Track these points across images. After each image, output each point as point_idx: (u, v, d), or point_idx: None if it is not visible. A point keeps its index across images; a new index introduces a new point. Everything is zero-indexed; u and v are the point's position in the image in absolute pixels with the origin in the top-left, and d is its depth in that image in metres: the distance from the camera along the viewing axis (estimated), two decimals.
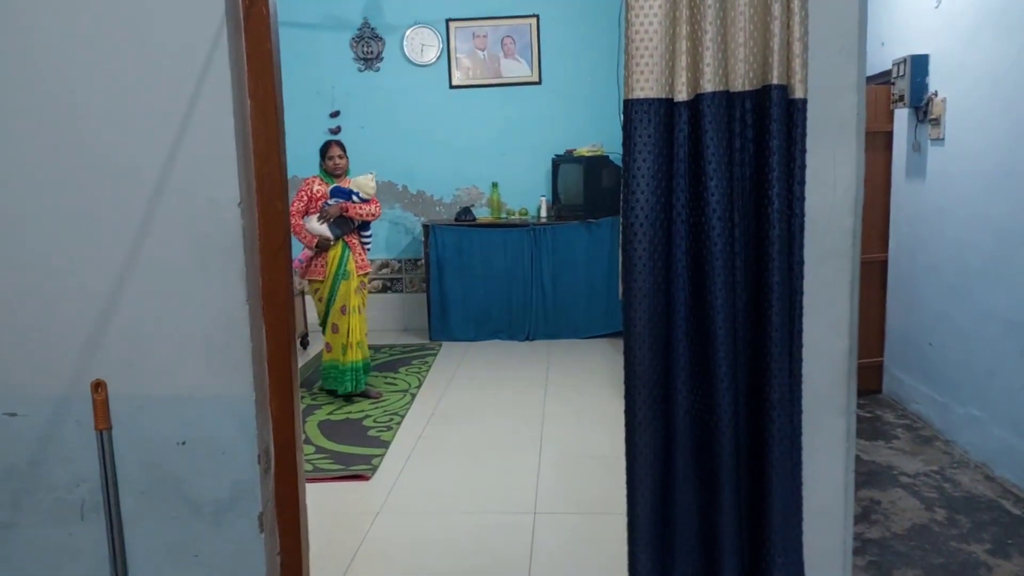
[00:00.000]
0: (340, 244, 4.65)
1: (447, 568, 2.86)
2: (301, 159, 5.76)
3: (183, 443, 1.92)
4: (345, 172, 4.68)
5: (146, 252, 1.85)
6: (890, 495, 3.46)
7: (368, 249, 4.85)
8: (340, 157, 4.64)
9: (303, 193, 4.60)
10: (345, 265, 4.66)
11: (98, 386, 1.87)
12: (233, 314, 1.86)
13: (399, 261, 6.54)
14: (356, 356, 4.74)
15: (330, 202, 4.57)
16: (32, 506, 1.95)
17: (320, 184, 4.62)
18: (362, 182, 4.67)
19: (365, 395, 4.82)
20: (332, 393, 4.83)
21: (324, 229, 4.56)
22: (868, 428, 4.21)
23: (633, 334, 1.73)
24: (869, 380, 4.68)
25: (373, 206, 4.67)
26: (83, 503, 1.94)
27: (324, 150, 4.67)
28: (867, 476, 3.63)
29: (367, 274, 4.83)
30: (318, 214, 4.56)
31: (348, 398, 4.78)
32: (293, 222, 4.52)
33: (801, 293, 1.72)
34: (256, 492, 1.93)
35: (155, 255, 1.85)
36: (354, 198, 4.62)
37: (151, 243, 1.85)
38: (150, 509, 1.94)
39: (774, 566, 1.75)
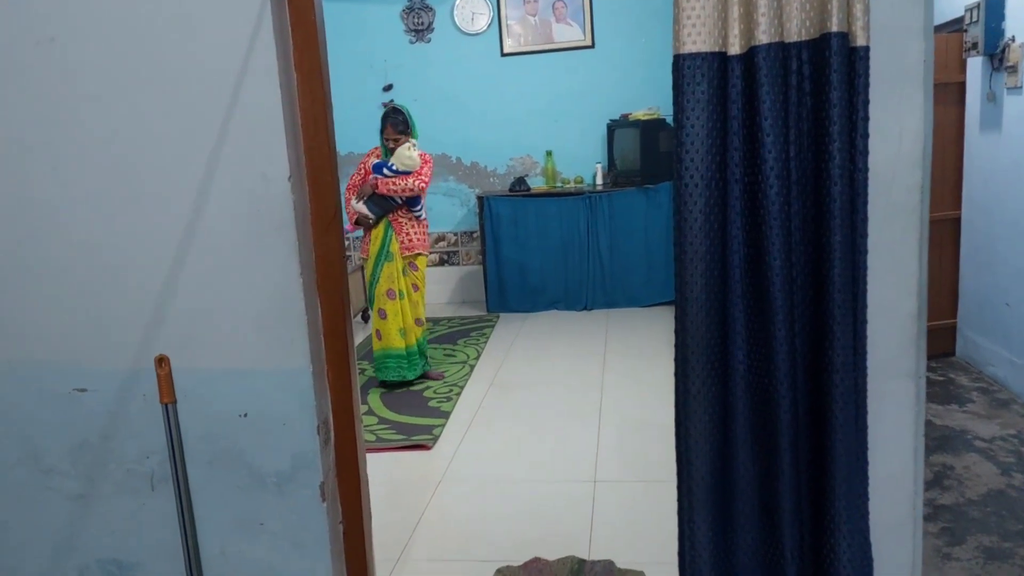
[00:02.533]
0: (383, 223, 4.40)
1: (509, 537, 2.88)
2: (355, 135, 5.81)
3: (244, 415, 1.96)
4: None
5: (201, 229, 1.88)
6: (964, 460, 3.34)
7: (420, 217, 4.49)
8: (395, 141, 4.33)
9: (361, 166, 4.45)
10: (388, 246, 4.42)
11: (161, 361, 1.91)
12: (287, 288, 1.88)
13: (455, 234, 6.55)
14: (397, 343, 4.48)
15: (371, 178, 4.36)
16: (104, 478, 2.02)
17: (377, 158, 4.42)
18: (400, 153, 4.32)
19: (427, 376, 4.64)
20: (389, 385, 4.56)
21: (362, 207, 4.36)
22: (940, 392, 4.06)
23: (688, 299, 1.68)
24: (941, 343, 4.51)
25: (410, 180, 4.30)
26: (152, 475, 2.01)
27: (381, 126, 4.39)
28: (939, 441, 3.51)
29: (418, 255, 4.52)
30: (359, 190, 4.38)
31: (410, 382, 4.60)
32: (345, 196, 4.39)
33: (865, 252, 1.64)
34: (317, 463, 1.96)
35: (210, 232, 1.88)
36: (385, 171, 4.31)
37: (206, 220, 1.88)
38: (216, 480, 1.99)
39: (838, 533, 1.70)
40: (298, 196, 1.87)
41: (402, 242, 4.44)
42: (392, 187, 4.32)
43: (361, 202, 4.37)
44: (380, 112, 4.63)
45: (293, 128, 1.86)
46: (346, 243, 6.49)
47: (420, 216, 4.51)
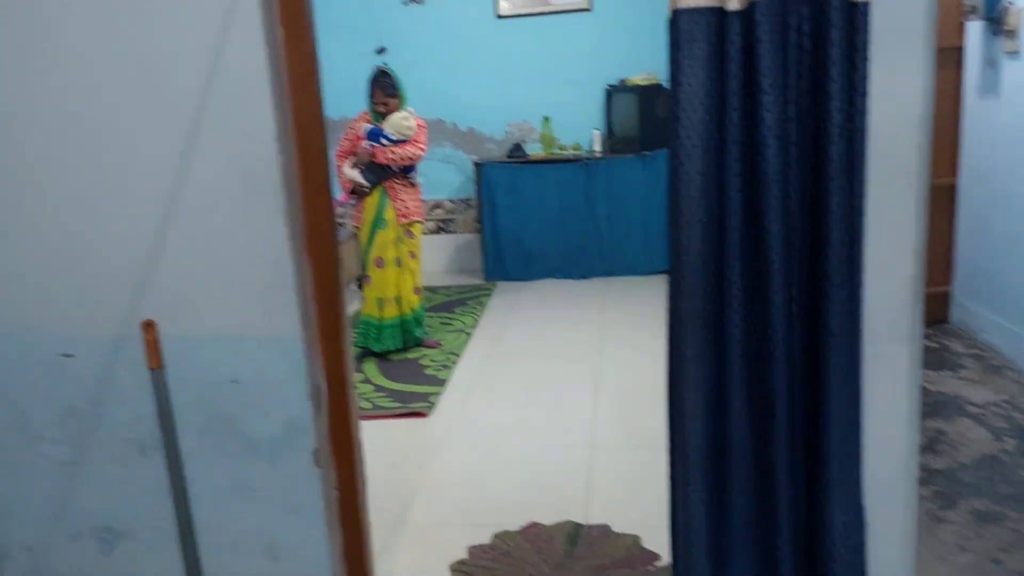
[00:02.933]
0: (379, 190, 4.32)
1: (506, 502, 2.89)
2: (347, 100, 5.71)
3: (235, 382, 1.94)
4: (396, 110, 4.28)
5: (187, 192, 1.84)
6: (957, 425, 3.34)
7: (415, 183, 4.42)
8: (385, 104, 4.23)
9: (352, 132, 4.33)
10: (382, 213, 4.33)
11: (148, 326, 1.89)
12: (276, 252, 1.85)
13: (452, 201, 6.50)
14: (393, 312, 4.43)
15: (365, 144, 4.26)
16: (95, 445, 2.01)
17: (367, 123, 4.32)
18: (395, 120, 4.23)
19: (423, 345, 4.61)
20: (370, 352, 4.50)
21: (356, 175, 4.27)
22: (934, 358, 4.06)
23: (683, 263, 1.66)
24: (936, 309, 4.50)
25: (409, 148, 4.24)
26: (143, 441, 1.99)
27: (370, 90, 4.28)
28: (933, 406, 3.51)
29: (414, 223, 4.44)
30: (354, 156, 4.28)
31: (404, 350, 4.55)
32: (337, 163, 4.29)
33: (863, 215, 1.61)
34: (309, 429, 1.95)
35: (196, 195, 1.84)
36: (382, 140, 4.22)
37: (191, 182, 1.84)
38: (207, 446, 1.98)
39: (832, 496, 1.70)
40: (286, 158, 1.83)
41: (398, 210, 4.38)
42: (391, 156, 4.26)
43: (356, 170, 4.29)
44: (363, 77, 4.52)
45: (279, 87, 1.81)
46: (340, 209, 6.44)
47: (414, 182, 4.45)
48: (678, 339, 1.72)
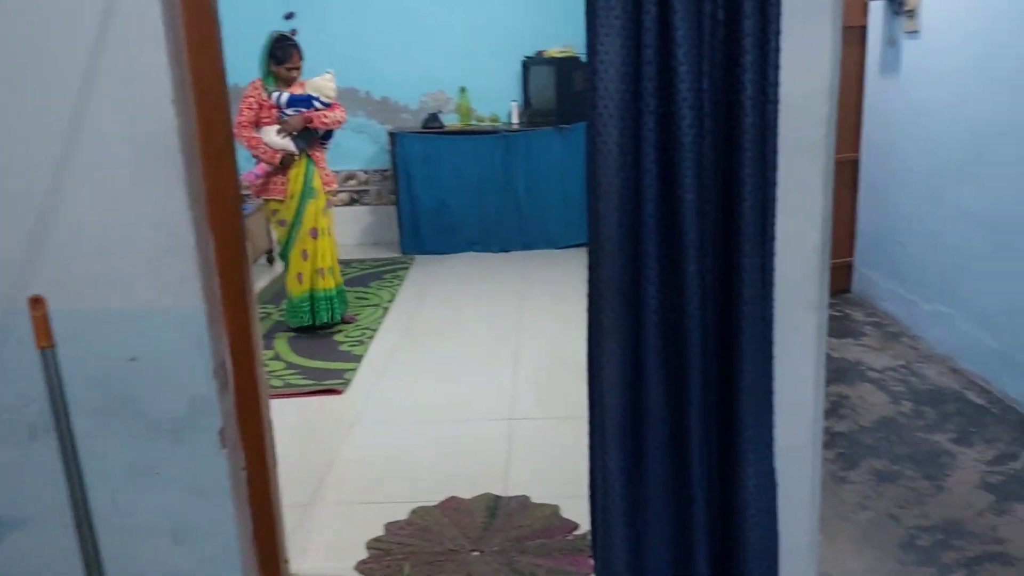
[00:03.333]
0: (304, 159, 4.16)
1: (424, 477, 2.86)
2: (252, 67, 5.50)
3: (134, 359, 1.84)
4: (298, 79, 4.15)
5: (78, 158, 1.72)
6: (858, 390, 3.50)
7: (327, 149, 4.34)
8: (298, 70, 4.09)
9: (252, 100, 4.06)
10: (311, 182, 4.18)
11: (36, 302, 1.76)
12: (176, 223, 1.76)
13: (365, 172, 6.35)
14: (329, 283, 4.33)
15: (289, 112, 4.06)
16: None
17: (257, 90, 4.07)
18: (320, 84, 4.09)
19: (342, 321, 4.50)
20: (305, 330, 4.37)
21: (288, 143, 4.07)
22: (837, 326, 4.23)
23: (601, 234, 1.65)
24: (839, 279, 4.68)
25: (339, 112, 4.18)
26: (33, 424, 1.87)
27: (281, 55, 4.04)
28: (836, 372, 3.67)
29: (333, 191, 4.40)
30: (278, 126, 4.06)
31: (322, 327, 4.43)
32: (245, 135, 4.04)
33: (775, 185, 1.64)
34: (215, 407, 1.87)
35: (88, 161, 1.72)
36: (315, 104, 4.08)
37: (83, 148, 1.72)
38: (104, 428, 1.87)
39: (745, 460, 1.73)
40: (184, 122, 1.73)
41: (323, 178, 4.27)
42: (326, 119, 4.14)
43: (287, 138, 4.08)
44: (284, 42, 4.30)
45: (176, 46, 1.71)
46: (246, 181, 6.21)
47: (328, 149, 4.36)
48: (596, 310, 1.72)
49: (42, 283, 1.78)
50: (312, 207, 4.22)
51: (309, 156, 4.20)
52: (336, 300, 4.42)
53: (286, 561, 2.19)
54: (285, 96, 4.09)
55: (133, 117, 1.70)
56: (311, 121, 4.10)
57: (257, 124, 4.10)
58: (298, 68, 4.11)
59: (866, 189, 4.56)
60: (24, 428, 1.87)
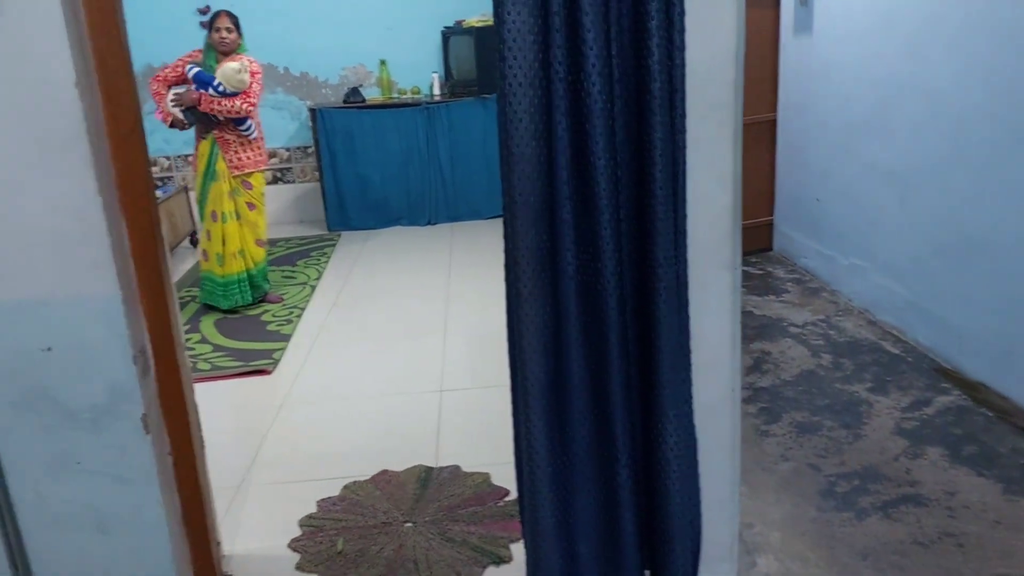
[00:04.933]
0: (209, 140, 4.12)
1: (356, 453, 2.86)
2: (163, 46, 5.33)
3: (48, 349, 1.78)
4: (235, 50, 4.08)
5: None
6: (780, 345, 3.63)
7: (251, 137, 4.21)
8: (228, 31, 4.03)
9: (181, 63, 4.06)
10: (213, 165, 4.16)
11: None
12: (85, 208, 1.70)
13: (287, 150, 6.22)
14: (235, 267, 4.26)
15: (192, 87, 4.02)
16: None
17: (198, 62, 4.06)
18: (228, 72, 4.00)
19: (265, 301, 4.47)
20: (214, 308, 4.38)
21: (177, 112, 4.06)
22: (760, 284, 4.37)
23: (516, 202, 1.67)
24: (760, 239, 4.83)
25: (236, 102, 4.01)
26: None
27: (211, 20, 4.08)
28: (758, 330, 3.79)
29: (250, 173, 4.24)
30: (176, 96, 4.04)
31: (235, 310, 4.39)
32: (153, 88, 4.06)
33: (684, 148, 1.68)
34: (136, 394, 1.83)
35: None
36: (211, 91, 3.99)
37: None
38: (21, 420, 1.82)
39: (665, 419, 1.80)
40: (88, 104, 1.67)
41: (230, 161, 4.17)
42: (216, 107, 4.03)
43: (178, 108, 4.06)
44: (188, 22, 4.24)
45: (76, 27, 1.65)
46: (167, 162, 6.02)
47: (251, 136, 4.23)
48: (514, 278, 1.74)
49: None
50: (215, 190, 4.19)
51: (215, 139, 4.14)
52: (246, 284, 4.35)
53: (218, 543, 2.18)
54: (194, 71, 4.05)
55: (35, 102, 1.64)
56: (198, 103, 4.03)
57: (177, 84, 4.09)
58: (224, 31, 4.04)
59: (784, 149, 4.69)
60: None
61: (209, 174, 4.18)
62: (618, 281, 1.70)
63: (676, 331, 1.77)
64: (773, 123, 4.72)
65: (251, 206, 4.30)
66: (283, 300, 4.51)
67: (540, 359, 1.75)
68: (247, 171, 4.24)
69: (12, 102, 1.64)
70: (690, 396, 1.87)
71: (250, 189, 4.28)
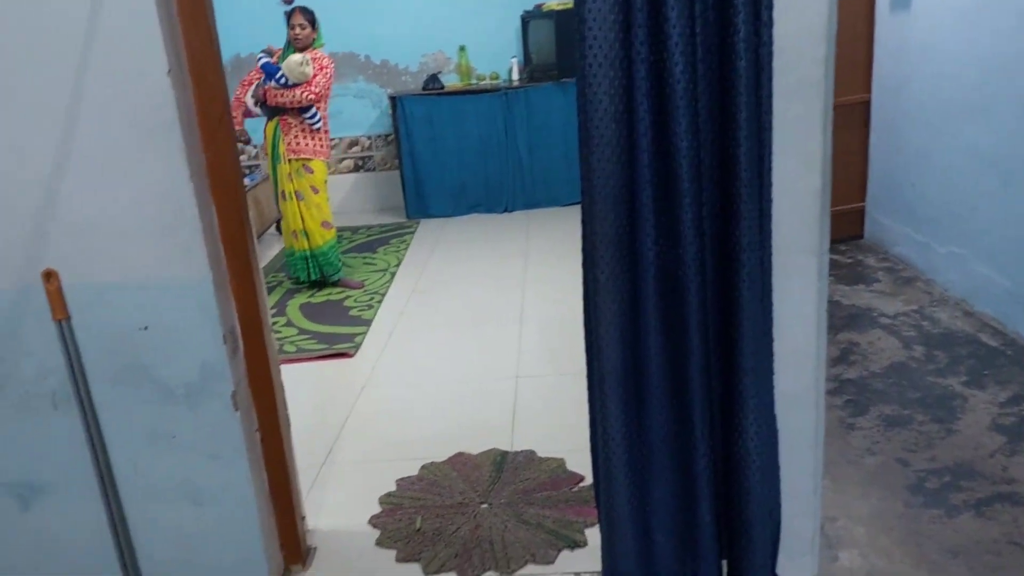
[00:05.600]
0: (274, 122, 4.33)
1: (433, 435, 2.90)
2: (250, 37, 5.50)
3: (145, 328, 1.87)
4: (308, 46, 4.25)
5: (79, 134, 1.74)
6: (869, 336, 3.50)
7: (315, 127, 4.34)
8: (302, 27, 4.22)
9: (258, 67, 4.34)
10: (277, 147, 4.36)
11: (49, 276, 1.81)
12: (178, 193, 1.78)
13: (368, 138, 6.33)
14: (303, 245, 4.48)
15: (260, 82, 4.28)
16: (1, 400, 1.93)
17: (272, 56, 4.30)
18: (291, 64, 4.18)
19: (344, 285, 4.61)
20: (299, 292, 4.62)
21: (250, 103, 4.33)
22: (849, 273, 4.22)
23: (595, 187, 1.65)
24: (851, 226, 4.65)
25: (297, 92, 4.18)
26: (54, 394, 1.92)
27: (288, 16, 4.30)
28: (847, 320, 3.66)
29: (309, 159, 4.37)
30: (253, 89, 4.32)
31: (322, 284, 4.63)
32: (237, 92, 4.32)
33: (770, 129, 1.63)
34: (226, 372, 1.91)
35: (88, 136, 1.74)
36: (273, 83, 4.19)
37: (83, 124, 1.74)
38: (121, 395, 1.92)
39: (746, 409, 1.75)
40: (180, 93, 1.74)
41: (288, 144, 4.34)
42: (280, 99, 4.24)
43: (251, 100, 4.33)
44: (275, 12, 4.47)
45: (168, 19, 1.72)
46: (254, 151, 6.21)
47: (315, 126, 4.36)
48: (591, 264, 1.73)
49: (54, 258, 1.82)
50: (280, 170, 4.41)
51: (278, 122, 4.33)
52: (311, 263, 4.53)
53: (303, 518, 2.25)
54: (262, 61, 4.28)
55: (130, 91, 1.72)
56: (266, 99, 4.26)
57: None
58: (303, 27, 4.23)
59: (878, 131, 4.50)
60: (47, 398, 1.92)
61: (275, 156, 4.39)
62: (699, 268, 1.67)
63: (759, 319, 1.72)
64: (867, 104, 4.52)
65: (315, 189, 4.45)
66: (364, 286, 4.61)
67: (617, 347, 1.73)
68: (303, 156, 4.38)
69: (110, 92, 1.72)
70: (772, 386, 1.82)
71: (311, 173, 4.42)
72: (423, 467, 2.66)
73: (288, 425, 2.16)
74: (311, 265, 4.54)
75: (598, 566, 2.05)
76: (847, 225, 4.61)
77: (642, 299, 1.70)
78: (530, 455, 2.69)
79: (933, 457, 2.60)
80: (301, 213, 4.43)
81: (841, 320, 3.65)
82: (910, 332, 3.50)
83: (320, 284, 4.63)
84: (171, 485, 1.99)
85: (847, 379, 3.14)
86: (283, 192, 4.42)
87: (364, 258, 5.13)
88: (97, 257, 1.83)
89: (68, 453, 1.96)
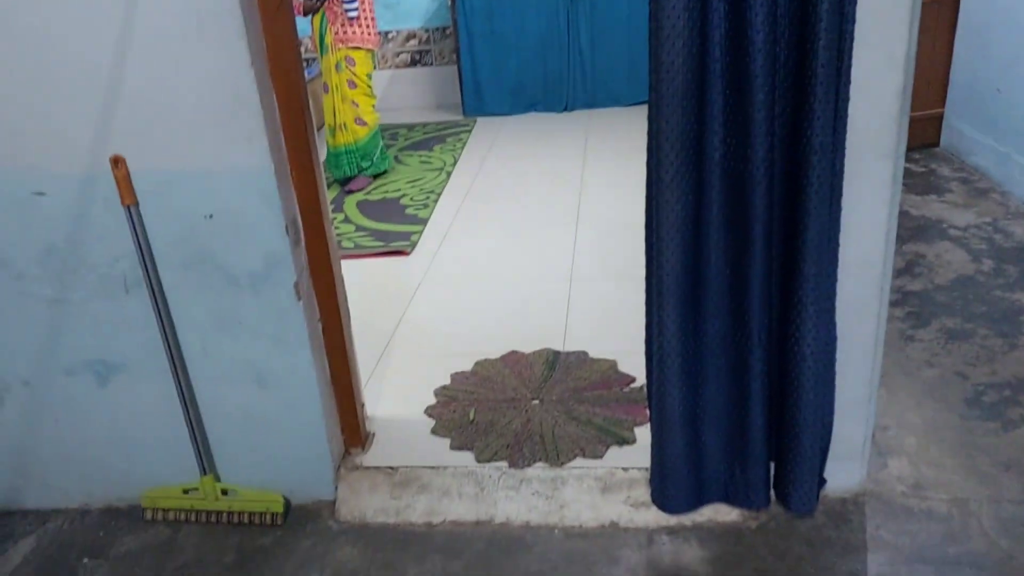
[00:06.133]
0: (320, 13, 4.26)
1: (487, 334, 2.95)
2: None
3: (210, 216, 1.91)
4: None
5: (140, 18, 1.73)
6: (936, 248, 3.39)
7: (351, 16, 4.22)
8: None
9: None
10: (324, 38, 4.31)
11: (117, 162, 1.84)
12: (239, 81, 1.77)
13: (426, 31, 6.19)
14: (344, 139, 4.46)
15: None
16: (77, 283, 2.01)
17: None
18: None
19: (351, 185, 4.60)
20: (348, 192, 4.58)
21: None
22: (921, 182, 4.06)
23: (662, 80, 1.59)
24: (926, 133, 4.44)
25: None
26: (125, 278, 2.00)
27: None
28: (914, 231, 3.55)
29: (355, 48, 4.29)
30: None
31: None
32: None
33: (853, 21, 1.53)
34: (288, 262, 1.95)
35: (150, 21, 1.74)
36: None
37: (144, 7, 1.73)
38: (189, 281, 1.98)
39: (805, 315, 1.73)
40: None
41: (336, 33, 4.27)
42: None
43: None
44: None
45: None
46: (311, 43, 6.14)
47: (351, 16, 4.23)
48: (656, 163, 1.69)
49: (120, 144, 1.85)
50: (325, 62, 4.37)
51: (324, 12, 4.26)
52: (355, 156, 4.52)
53: (362, 405, 2.33)
54: None
55: None
56: None
57: None
58: None
59: (964, 33, 4.22)
60: (119, 282, 2.00)
61: (322, 47, 4.34)
62: (768, 169, 1.62)
63: (826, 224, 1.68)
64: (955, 5, 4.23)
65: (351, 84, 4.37)
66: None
67: (678, 249, 1.71)
68: (351, 45, 4.29)
69: None
70: (834, 293, 1.79)
71: (352, 65, 4.34)
72: (477, 363, 2.72)
73: (348, 316, 2.21)
74: (351, 161, 4.54)
75: (646, 463, 2.09)
76: (923, 132, 4.40)
77: (706, 200, 1.67)
78: (582, 355, 2.72)
79: (994, 371, 2.55)
80: (335, 107, 4.41)
81: (908, 231, 3.54)
82: (980, 245, 3.38)
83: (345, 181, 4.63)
84: (238, 368, 2.07)
85: (910, 291, 3.07)
86: (325, 84, 4.41)
87: (420, 156, 5.12)
88: (161, 144, 1.86)
89: (140, 334, 2.05)
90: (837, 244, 1.74)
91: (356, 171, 4.58)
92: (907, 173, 4.11)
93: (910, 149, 4.32)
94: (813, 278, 1.71)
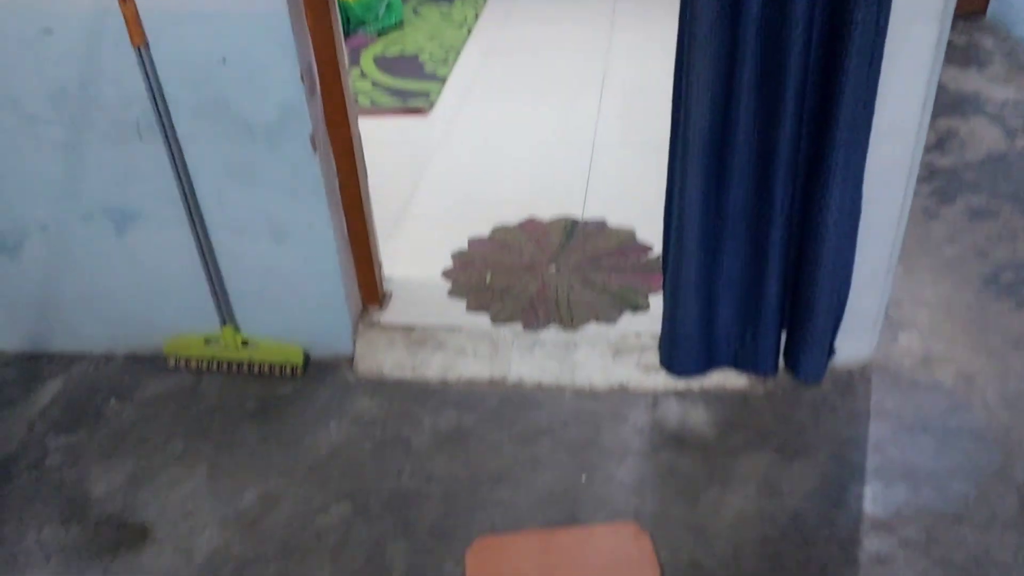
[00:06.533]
0: None
1: (505, 199, 2.92)
2: None
3: (223, 60, 1.85)
4: None
5: None
6: (971, 124, 3.27)
7: None
8: None
9: None
10: None
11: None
12: None
13: None
14: None
15: None
16: (89, 127, 1.98)
17: None
18: None
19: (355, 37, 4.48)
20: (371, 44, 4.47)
21: None
22: (961, 55, 3.87)
23: None
24: (973, 1, 4.20)
25: None
26: (138, 123, 1.96)
27: None
28: (950, 105, 3.42)
29: None
30: None
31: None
32: None
33: None
34: (304, 113, 1.91)
35: None
36: None
37: None
38: (204, 129, 1.95)
39: (832, 183, 1.69)
40: None
41: None
42: None
43: None
44: None
45: None
46: None
47: None
48: (689, 18, 1.60)
49: None
50: None
51: None
52: (352, 12, 4.39)
53: (380, 264, 2.35)
54: None
55: None
56: None
57: None
58: None
59: None
60: (131, 127, 1.97)
61: None
62: (807, 25, 1.54)
63: (863, 88, 1.61)
64: None
65: None
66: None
67: (707, 111, 1.65)
68: None
69: None
70: (864, 161, 1.74)
71: None
72: (494, 229, 2.71)
73: (365, 173, 2.18)
74: (369, 6, 4.38)
75: (659, 329, 2.12)
76: (969, 0, 4.17)
77: (740, 58, 1.60)
78: (600, 224, 2.70)
79: (1014, 251, 2.52)
80: None
81: (943, 105, 3.41)
82: (1016, 122, 3.26)
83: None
84: (254, 220, 2.07)
85: (939, 167, 2.99)
86: None
87: (441, 10, 4.91)
88: None
89: (156, 182, 2.04)
90: (872, 111, 1.68)
91: (357, 26, 4.42)
92: (948, 44, 3.92)
93: (955, 17, 4.10)
94: (844, 145, 1.66)
